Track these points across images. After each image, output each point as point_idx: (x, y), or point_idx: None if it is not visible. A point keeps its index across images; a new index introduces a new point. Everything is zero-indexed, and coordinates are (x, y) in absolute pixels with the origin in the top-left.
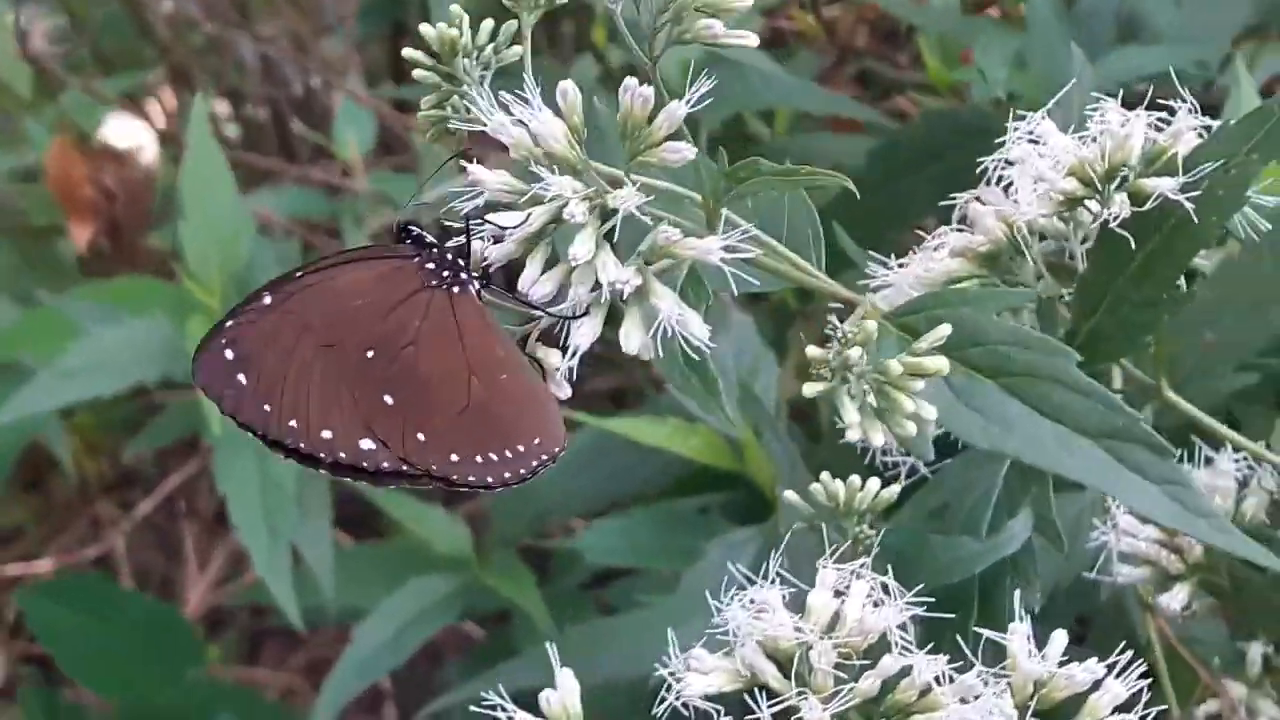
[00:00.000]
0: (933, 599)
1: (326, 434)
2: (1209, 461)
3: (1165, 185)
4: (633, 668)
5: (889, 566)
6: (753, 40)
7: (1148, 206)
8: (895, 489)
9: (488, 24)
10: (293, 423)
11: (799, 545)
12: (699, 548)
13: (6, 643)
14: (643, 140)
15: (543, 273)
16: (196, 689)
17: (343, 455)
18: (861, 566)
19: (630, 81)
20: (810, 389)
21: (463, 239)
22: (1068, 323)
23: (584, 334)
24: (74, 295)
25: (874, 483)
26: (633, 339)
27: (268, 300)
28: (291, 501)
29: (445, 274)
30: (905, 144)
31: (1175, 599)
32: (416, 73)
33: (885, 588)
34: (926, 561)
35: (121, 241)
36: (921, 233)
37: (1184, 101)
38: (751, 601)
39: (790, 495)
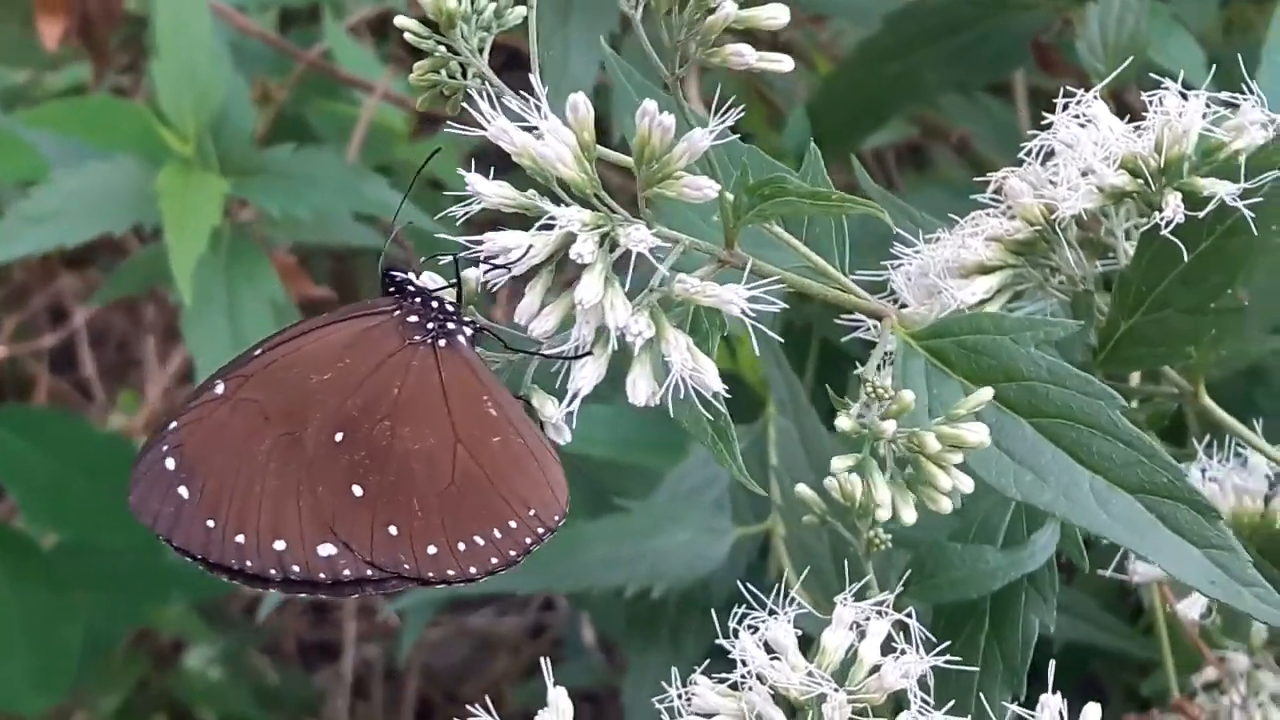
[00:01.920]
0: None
1: (279, 545)
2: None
3: (1223, 189)
4: (609, 575)
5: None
6: (788, 64)
7: (1203, 213)
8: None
9: None
10: (239, 538)
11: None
12: (684, 443)
13: None
14: (660, 170)
15: (543, 305)
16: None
17: (296, 569)
18: (882, 604)
19: (649, 106)
20: (840, 464)
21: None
22: (1102, 321)
23: (586, 377)
24: (36, 116)
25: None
26: (640, 389)
27: (220, 389)
28: None
29: (430, 325)
30: (923, 10)
31: (1194, 607)
32: (408, 36)
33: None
34: (943, 572)
35: (92, 39)
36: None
37: (1251, 92)
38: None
39: (803, 489)
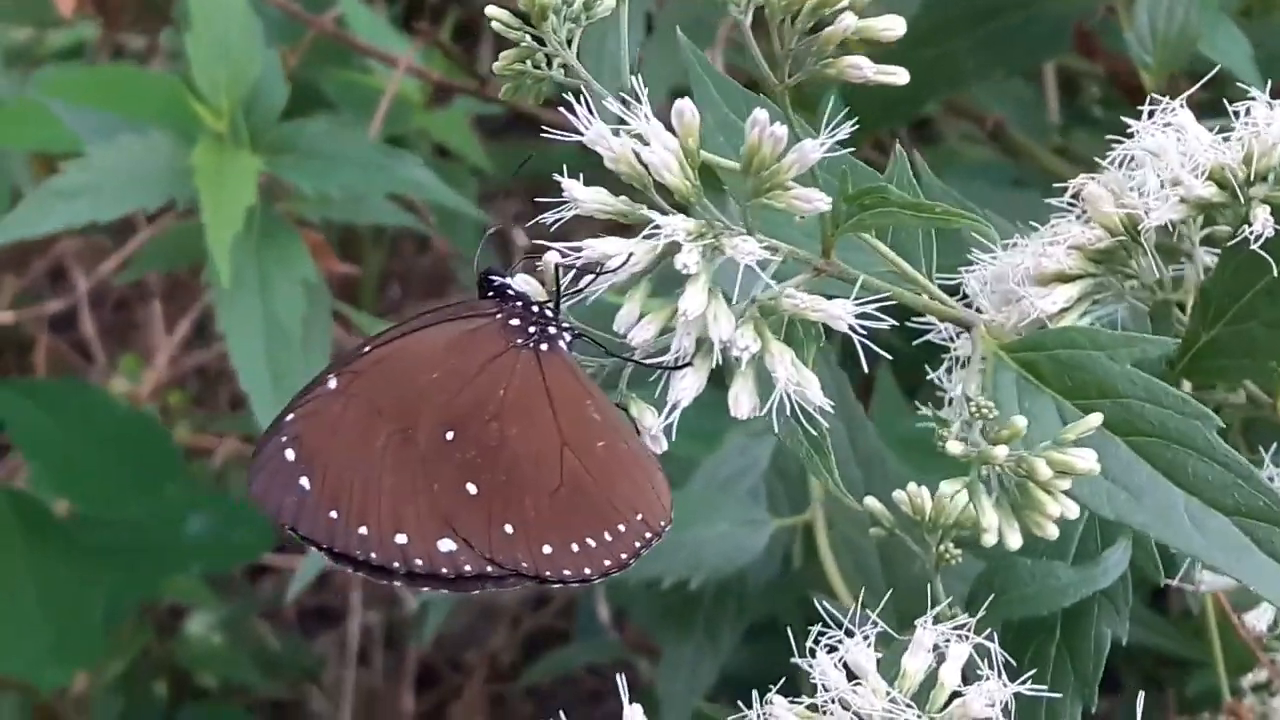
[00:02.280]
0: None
1: (400, 538)
2: None
3: None
4: (646, 565)
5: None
6: (904, 76)
7: None
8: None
9: None
10: (363, 529)
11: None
12: (721, 432)
13: None
14: (768, 180)
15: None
16: (174, 503)
17: (419, 562)
18: (963, 628)
19: (760, 115)
20: (948, 488)
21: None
22: (1181, 332)
23: (686, 388)
24: (59, 85)
25: (962, 495)
26: (743, 404)
27: (333, 384)
28: (297, 346)
29: (531, 330)
30: None
31: (1262, 619)
32: (496, 26)
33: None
34: (1013, 588)
35: (105, 4)
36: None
37: None
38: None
39: (872, 502)
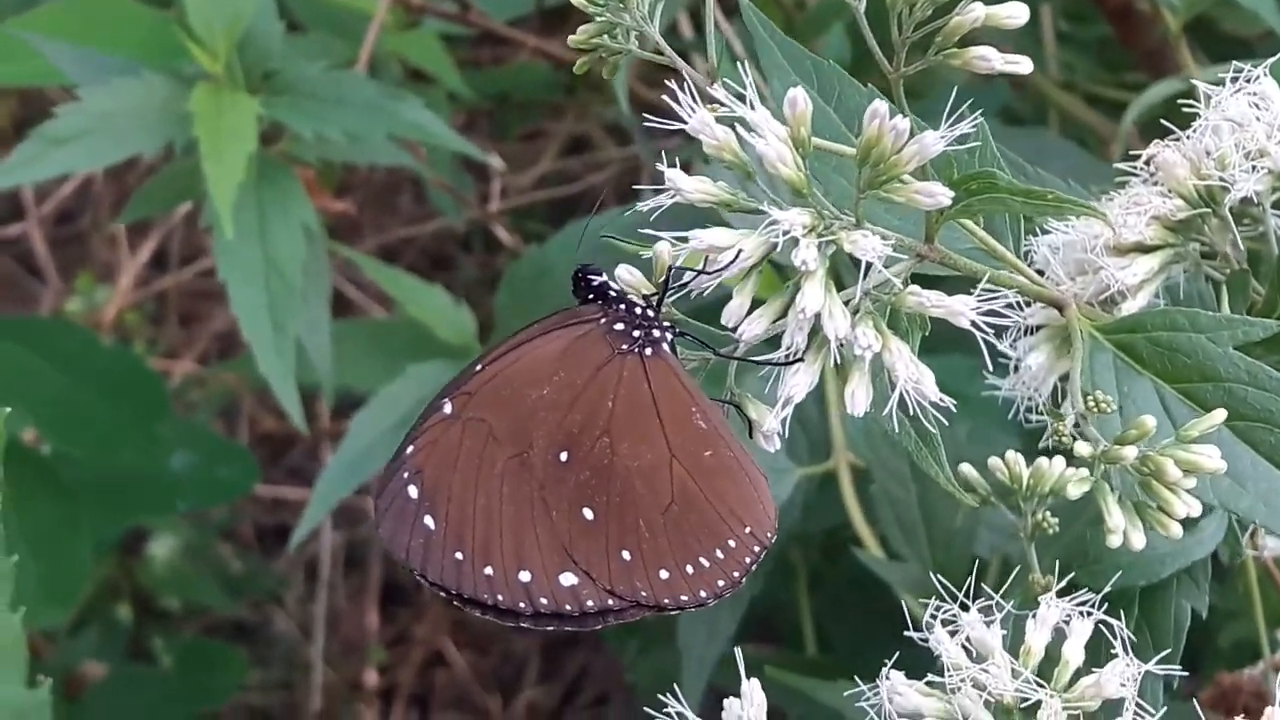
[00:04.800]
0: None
1: (524, 576)
2: None
3: None
4: None
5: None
6: (1027, 66)
7: None
8: (1084, 472)
9: None
10: (488, 570)
11: None
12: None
13: None
14: (885, 173)
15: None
16: (162, 444)
17: (543, 601)
18: (1088, 604)
19: (880, 107)
20: (1076, 489)
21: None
22: (1258, 302)
23: (799, 384)
24: (41, 20)
25: (1059, 462)
26: (859, 400)
27: (448, 409)
28: (297, 293)
29: (636, 334)
30: None
31: None
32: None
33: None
34: (1108, 557)
35: None
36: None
37: None
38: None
39: (967, 469)
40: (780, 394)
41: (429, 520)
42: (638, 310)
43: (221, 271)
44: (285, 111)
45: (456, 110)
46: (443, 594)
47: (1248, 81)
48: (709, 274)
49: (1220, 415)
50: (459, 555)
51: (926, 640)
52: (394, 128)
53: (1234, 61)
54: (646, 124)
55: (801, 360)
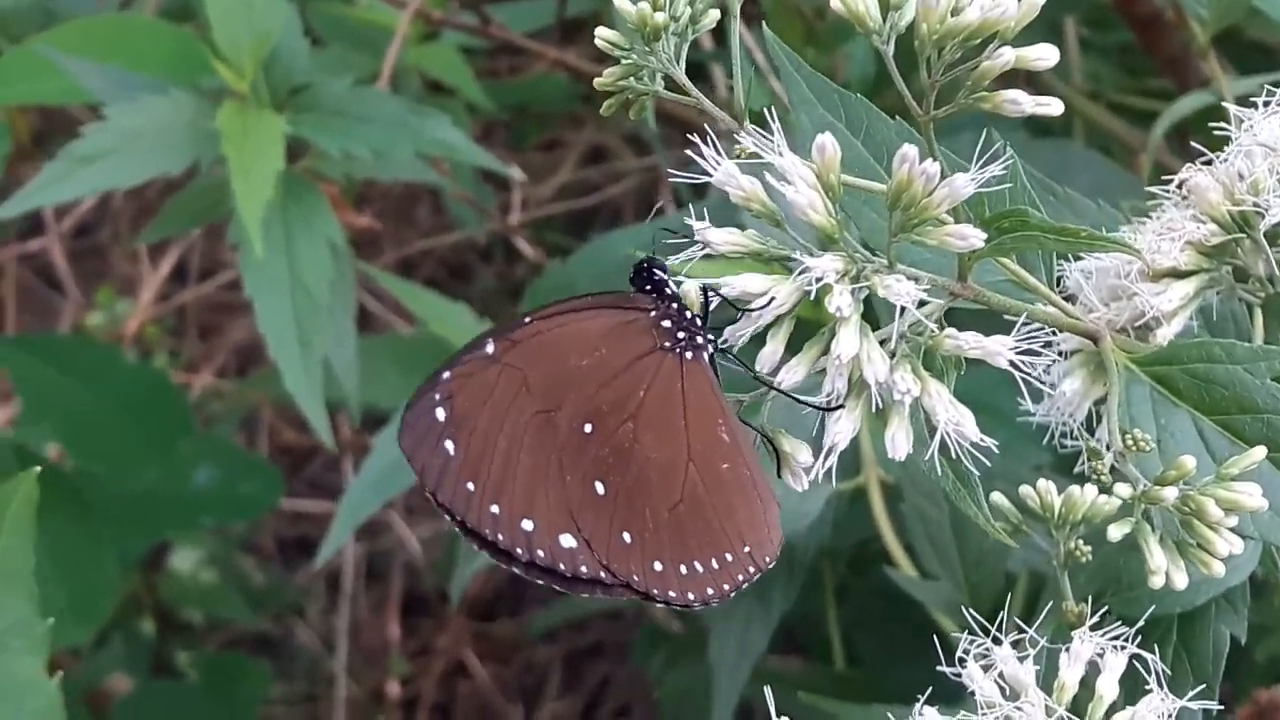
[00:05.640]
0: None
1: (527, 525)
2: None
3: None
4: None
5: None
6: (1058, 107)
7: None
8: (1118, 501)
9: None
10: (494, 508)
11: None
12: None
13: None
14: (915, 216)
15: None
16: (186, 460)
17: (540, 554)
18: (1121, 639)
19: (909, 152)
20: (1116, 532)
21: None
22: None
23: (842, 431)
24: (66, 36)
25: (1091, 490)
26: (900, 444)
27: (490, 349)
28: (323, 310)
29: (681, 335)
30: None
31: None
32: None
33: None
34: (1142, 584)
35: None
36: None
37: None
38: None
39: (998, 498)
40: (826, 442)
41: (449, 445)
42: (688, 314)
43: (249, 289)
44: (312, 129)
45: (473, 121)
46: (447, 516)
47: None
48: (741, 323)
49: (1260, 453)
50: (471, 486)
51: (959, 676)
52: (419, 144)
53: (1262, 78)
54: (671, 177)
55: (843, 406)
